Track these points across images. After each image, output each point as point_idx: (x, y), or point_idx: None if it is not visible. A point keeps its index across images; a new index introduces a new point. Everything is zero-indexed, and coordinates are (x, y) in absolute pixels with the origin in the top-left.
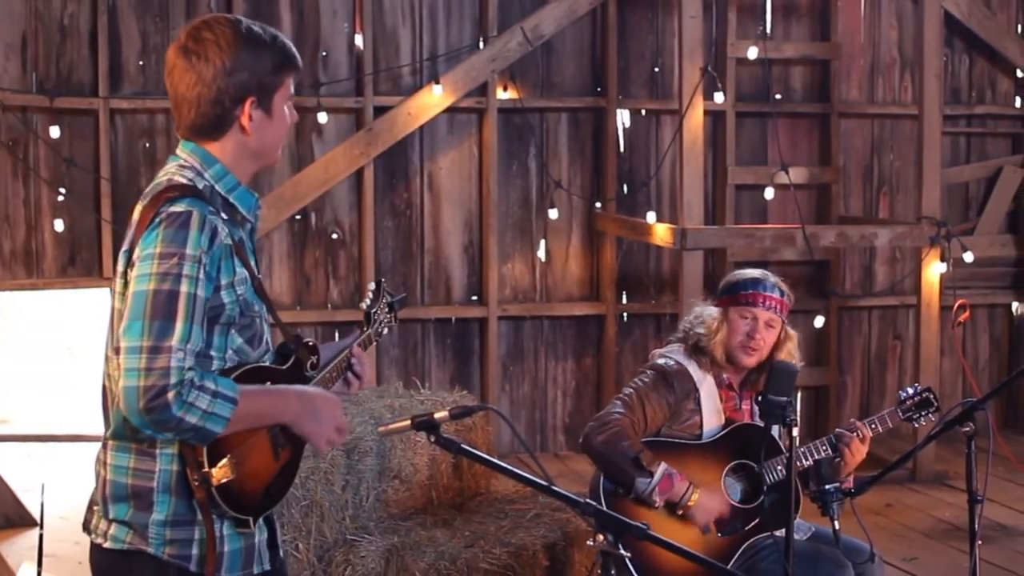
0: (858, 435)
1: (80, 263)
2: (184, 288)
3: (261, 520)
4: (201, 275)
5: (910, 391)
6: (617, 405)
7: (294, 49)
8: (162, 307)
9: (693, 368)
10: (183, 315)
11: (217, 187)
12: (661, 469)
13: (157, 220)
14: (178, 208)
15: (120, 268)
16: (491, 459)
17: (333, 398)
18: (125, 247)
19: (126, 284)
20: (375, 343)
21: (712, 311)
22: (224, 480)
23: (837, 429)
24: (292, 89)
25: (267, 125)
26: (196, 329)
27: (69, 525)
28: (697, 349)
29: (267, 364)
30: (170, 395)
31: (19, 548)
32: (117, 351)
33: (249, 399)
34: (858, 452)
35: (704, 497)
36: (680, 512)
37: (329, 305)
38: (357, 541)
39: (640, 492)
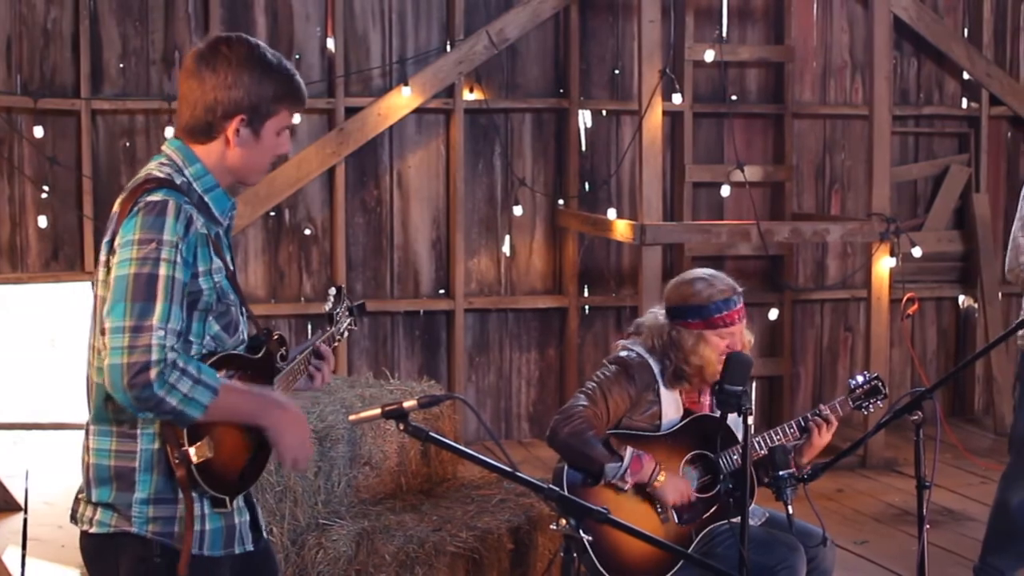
0: (827, 420)
1: (63, 258)
2: (163, 271)
3: (242, 503)
4: (178, 259)
5: (860, 379)
6: (581, 398)
7: (302, 85)
8: (143, 289)
9: (654, 361)
10: (163, 296)
11: (195, 185)
12: (629, 452)
13: (135, 209)
14: (155, 198)
15: (103, 257)
16: (458, 446)
17: (303, 419)
18: (107, 237)
19: (108, 271)
20: (338, 342)
21: (690, 337)
22: (203, 459)
23: (807, 413)
24: (290, 121)
25: (252, 147)
26: (176, 309)
27: (52, 510)
28: (677, 374)
29: (241, 353)
30: (152, 372)
31: (4, 532)
32: (103, 332)
33: (230, 394)
34: (825, 436)
35: (671, 476)
36: (649, 491)
37: (302, 298)
38: (329, 525)
39: (610, 477)
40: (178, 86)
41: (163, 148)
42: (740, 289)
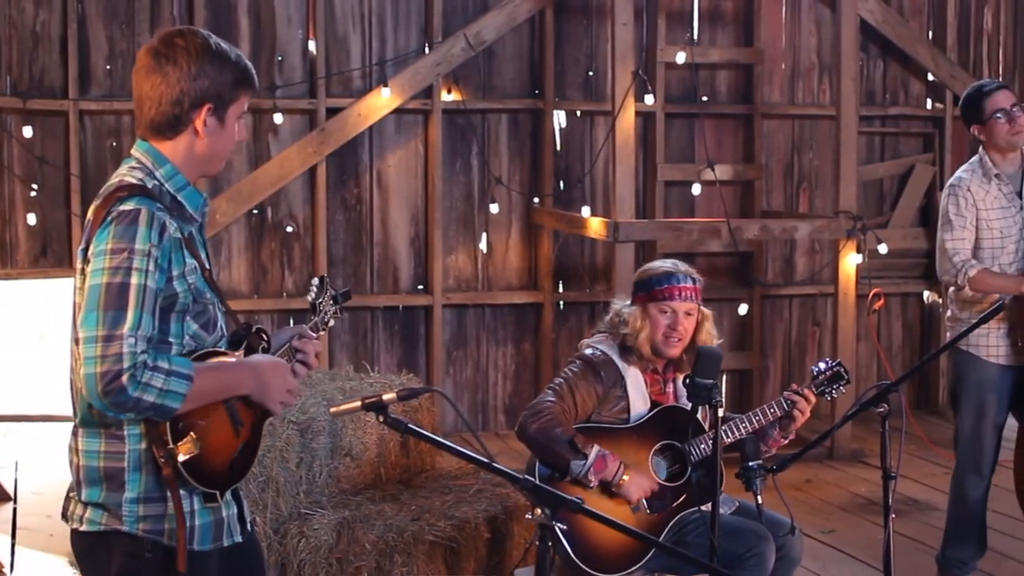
0: (804, 397)
1: (51, 254)
2: (134, 280)
3: (229, 496)
4: (151, 267)
5: (822, 366)
6: (549, 394)
7: (254, 71)
8: (114, 298)
9: (618, 358)
10: (134, 304)
11: (167, 186)
12: (595, 451)
13: (108, 219)
14: (127, 207)
15: (79, 265)
16: (436, 438)
17: (279, 363)
18: (82, 245)
19: (84, 280)
20: (323, 331)
21: (631, 309)
22: (188, 456)
23: (785, 392)
24: (246, 107)
25: (219, 134)
26: (147, 317)
27: (41, 500)
28: (624, 348)
29: (222, 349)
30: (124, 378)
31: None
32: (76, 342)
33: (204, 375)
34: (806, 412)
35: (635, 474)
36: (614, 489)
37: (284, 294)
38: (311, 515)
39: (575, 474)
40: (133, 85)
41: (132, 151)
42: (695, 275)
